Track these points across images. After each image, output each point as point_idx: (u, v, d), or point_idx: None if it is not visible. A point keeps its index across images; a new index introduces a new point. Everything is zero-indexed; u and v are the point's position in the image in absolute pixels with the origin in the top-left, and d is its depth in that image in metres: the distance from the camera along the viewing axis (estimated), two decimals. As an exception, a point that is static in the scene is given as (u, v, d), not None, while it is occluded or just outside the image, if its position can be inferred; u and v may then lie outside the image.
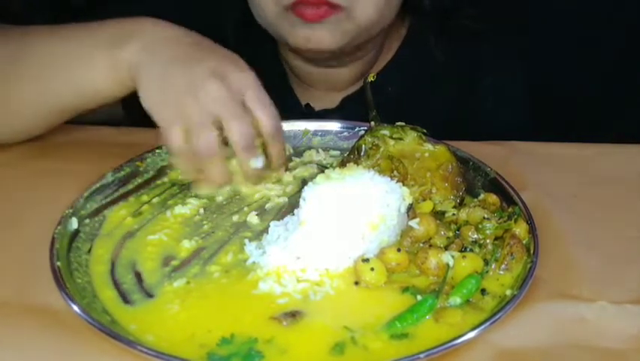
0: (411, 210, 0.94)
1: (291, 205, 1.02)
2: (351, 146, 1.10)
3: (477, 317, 0.82)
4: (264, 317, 0.82)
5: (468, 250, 0.91)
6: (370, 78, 1.14)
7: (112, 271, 0.91)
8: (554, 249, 0.95)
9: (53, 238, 0.92)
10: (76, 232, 0.97)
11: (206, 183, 1.02)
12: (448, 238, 0.93)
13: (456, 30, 1.41)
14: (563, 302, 0.87)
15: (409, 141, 1.06)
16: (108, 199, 1.04)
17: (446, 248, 0.91)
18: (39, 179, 1.13)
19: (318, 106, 1.44)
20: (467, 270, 0.87)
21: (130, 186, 1.08)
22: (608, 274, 0.92)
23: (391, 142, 1.05)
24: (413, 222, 0.92)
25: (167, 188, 1.10)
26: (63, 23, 1.15)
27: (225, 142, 0.98)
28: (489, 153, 1.13)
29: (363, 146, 1.06)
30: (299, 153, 1.19)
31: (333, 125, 1.23)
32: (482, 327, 0.79)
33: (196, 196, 1.07)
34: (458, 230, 0.95)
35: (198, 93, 0.97)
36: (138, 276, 0.90)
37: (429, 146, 1.05)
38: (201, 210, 1.04)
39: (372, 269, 0.87)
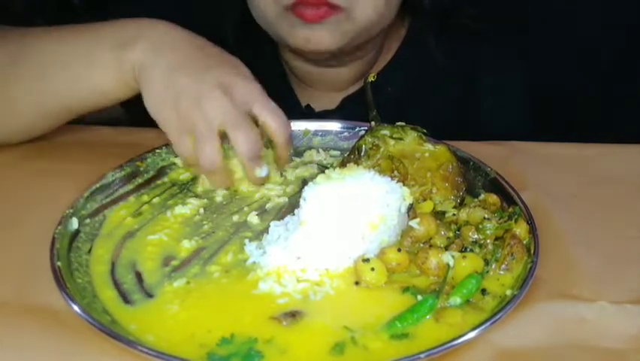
0: (411, 210, 0.94)
1: (292, 205, 1.02)
2: (352, 146, 1.10)
3: (477, 317, 0.82)
4: (263, 317, 0.82)
5: (468, 250, 0.91)
6: (370, 78, 1.14)
7: (112, 271, 0.91)
8: (554, 249, 0.95)
9: (54, 238, 0.92)
10: (77, 232, 0.97)
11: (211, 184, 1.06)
12: (448, 238, 0.93)
13: (456, 30, 1.41)
14: (562, 302, 0.87)
15: (409, 141, 1.06)
16: (108, 199, 1.05)
17: (446, 248, 0.91)
18: (39, 179, 1.13)
19: (318, 106, 1.44)
20: (467, 270, 0.87)
21: (130, 186, 1.08)
22: (608, 274, 0.92)
23: (391, 142, 1.05)
24: (413, 223, 0.92)
25: (167, 188, 1.10)
26: (64, 24, 1.15)
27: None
28: (489, 153, 1.13)
29: (364, 146, 1.06)
30: (299, 153, 1.19)
31: (334, 126, 1.23)
32: (482, 327, 0.79)
33: (196, 196, 1.07)
34: (458, 230, 0.95)
35: (204, 103, 0.98)
36: (138, 276, 0.90)
37: (429, 146, 1.05)
38: (201, 210, 1.04)
39: (372, 269, 0.87)
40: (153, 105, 1.02)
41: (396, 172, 1.02)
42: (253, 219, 1.02)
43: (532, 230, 0.93)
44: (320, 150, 1.20)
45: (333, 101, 1.43)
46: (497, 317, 0.80)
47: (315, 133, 1.23)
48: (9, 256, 0.95)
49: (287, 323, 0.81)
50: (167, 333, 0.81)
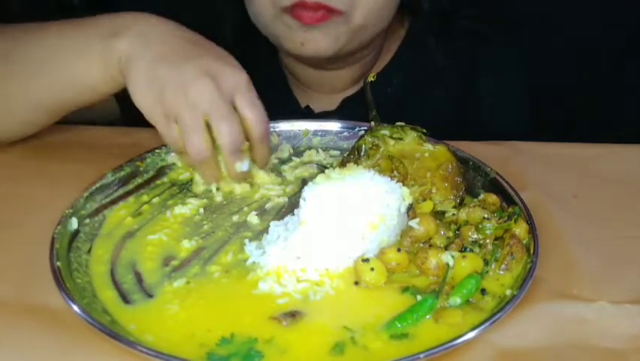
0: (411, 210, 0.94)
1: (291, 205, 1.02)
2: (351, 146, 1.10)
3: (477, 317, 0.82)
4: (263, 317, 0.82)
5: (468, 250, 0.91)
6: (370, 78, 1.14)
7: (112, 271, 0.91)
8: (554, 249, 0.95)
9: (53, 238, 0.92)
10: (77, 232, 0.97)
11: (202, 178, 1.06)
12: (448, 238, 0.93)
13: (455, 31, 1.40)
14: (562, 302, 0.87)
15: (409, 141, 1.06)
16: (108, 199, 1.05)
17: (446, 248, 0.91)
18: (39, 179, 1.13)
19: (317, 108, 1.43)
20: (467, 270, 0.87)
21: (130, 186, 1.08)
22: (608, 274, 0.92)
23: (391, 142, 1.05)
24: (413, 223, 0.92)
25: (167, 188, 1.10)
26: None
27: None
28: (489, 153, 1.13)
29: (363, 146, 1.06)
30: (299, 153, 1.19)
31: (333, 126, 1.23)
32: (482, 327, 0.79)
33: (196, 196, 1.07)
34: (458, 230, 0.95)
35: (189, 91, 0.97)
36: (138, 276, 0.90)
37: (429, 146, 1.05)
38: (201, 210, 1.04)
39: (372, 269, 0.87)
40: (139, 97, 1.01)
41: (395, 172, 1.02)
42: (253, 219, 1.02)
43: (532, 230, 0.93)
44: (320, 150, 1.20)
45: (332, 102, 1.43)
46: (497, 317, 0.80)
47: (315, 133, 1.23)
48: (9, 256, 0.95)
49: (287, 323, 0.81)
50: (167, 333, 0.81)
